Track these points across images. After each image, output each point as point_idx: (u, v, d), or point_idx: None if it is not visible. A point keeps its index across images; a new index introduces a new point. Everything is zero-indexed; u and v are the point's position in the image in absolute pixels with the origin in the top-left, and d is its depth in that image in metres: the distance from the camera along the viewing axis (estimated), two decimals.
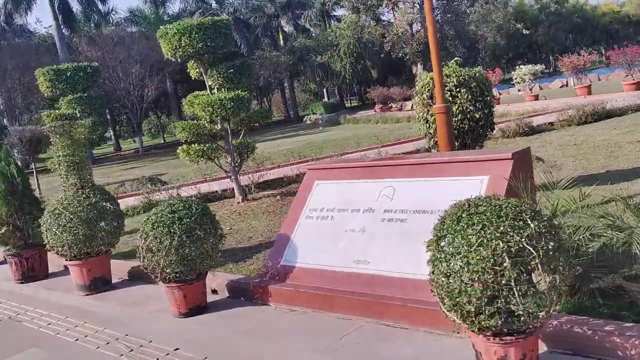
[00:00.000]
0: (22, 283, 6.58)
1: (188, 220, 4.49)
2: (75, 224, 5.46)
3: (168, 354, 3.99)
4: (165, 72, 33.25)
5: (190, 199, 4.76)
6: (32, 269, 6.62)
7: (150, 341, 4.26)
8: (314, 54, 38.58)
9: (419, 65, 42.61)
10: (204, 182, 11.84)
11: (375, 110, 31.66)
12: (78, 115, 13.20)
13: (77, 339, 4.53)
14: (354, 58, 37.54)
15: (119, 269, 6.16)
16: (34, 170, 14.76)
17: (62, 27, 28.38)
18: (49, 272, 6.84)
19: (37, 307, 5.55)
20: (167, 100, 37.76)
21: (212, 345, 4.05)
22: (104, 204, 5.71)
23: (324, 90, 43.48)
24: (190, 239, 4.45)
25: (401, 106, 31.11)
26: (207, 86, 9.44)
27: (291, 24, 43.60)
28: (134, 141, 43.84)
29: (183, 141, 9.24)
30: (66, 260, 5.71)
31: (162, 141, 42.64)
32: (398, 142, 13.86)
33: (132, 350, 4.15)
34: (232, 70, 9.02)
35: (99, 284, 5.74)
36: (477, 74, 6.47)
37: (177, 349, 4.04)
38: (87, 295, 5.67)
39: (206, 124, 9.15)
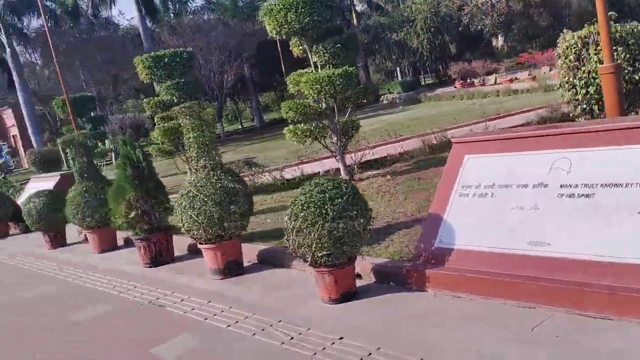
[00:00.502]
0: (150, 267, 6.60)
1: (340, 200, 4.18)
2: (210, 206, 5.31)
3: (334, 342, 3.72)
4: (243, 58, 33.55)
5: (338, 179, 4.45)
6: (160, 253, 6.62)
7: (309, 328, 4.01)
8: (388, 31, 37.61)
9: (499, 38, 40.64)
10: (302, 163, 11.66)
11: (456, 87, 30.45)
12: (175, 101, 13.35)
13: (229, 325, 4.36)
14: (432, 33, 36.27)
15: (245, 252, 6.01)
16: None
17: (145, 18, 29.16)
18: (175, 256, 6.83)
19: (175, 291, 5.49)
20: (243, 85, 38.14)
21: (380, 333, 3.74)
22: (235, 185, 5.54)
23: (397, 69, 42.43)
24: (343, 220, 4.15)
25: (484, 81, 29.73)
26: (312, 63, 9.15)
27: (364, 2, 42.72)
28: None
29: (290, 121, 9.03)
30: (199, 243, 5.61)
31: (240, 127, 43.31)
32: (500, 116, 13.06)
33: (292, 338, 3.92)
34: (339, 45, 8.66)
35: (233, 267, 5.60)
36: (635, 30, 5.74)
37: (341, 338, 3.76)
38: (221, 279, 5.55)
39: (312, 103, 8.88)
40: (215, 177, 5.49)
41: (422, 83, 42.98)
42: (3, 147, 36.08)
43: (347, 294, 4.41)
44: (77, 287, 6.45)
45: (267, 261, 5.88)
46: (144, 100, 13.41)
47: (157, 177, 6.72)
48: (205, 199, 5.34)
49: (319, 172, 10.59)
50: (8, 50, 24.55)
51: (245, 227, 5.74)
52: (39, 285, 6.81)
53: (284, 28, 8.46)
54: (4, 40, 24.30)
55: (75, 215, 7.80)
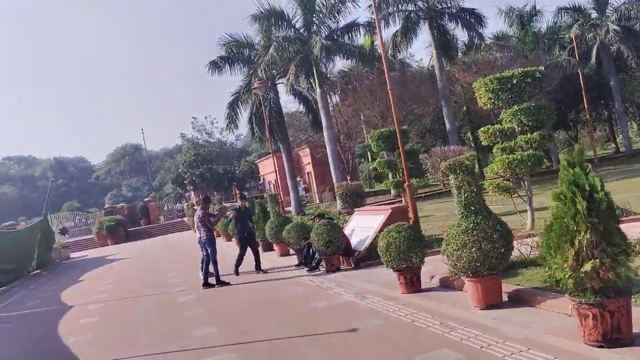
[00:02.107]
0: (601, 347, 4.46)
1: None
2: None
3: None
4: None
5: None
6: (618, 329, 4.44)
7: None
8: None
9: None
10: None
11: None
12: (517, 129, 11.42)
13: None
14: None
15: None
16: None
17: (441, 56, 28.53)
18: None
19: None
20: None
21: None
22: None
23: None
24: None
25: None
26: None
27: None
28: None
29: None
30: None
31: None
32: None
33: None
34: None
35: None
36: None
37: None
38: None
39: None
40: None
41: None
42: (300, 183, 39.44)
43: None
44: None
45: None
46: (481, 129, 11.75)
47: (617, 215, 4.60)
48: None
49: None
50: (318, 91, 26.24)
51: None
52: (435, 347, 5.25)
53: None
54: (316, 82, 26.08)
55: (458, 257, 6.19)
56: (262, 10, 25.47)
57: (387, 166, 16.95)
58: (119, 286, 14.42)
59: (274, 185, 44.47)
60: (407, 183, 12.29)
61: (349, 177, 32.83)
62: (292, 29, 26.26)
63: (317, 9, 25.73)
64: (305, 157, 41.69)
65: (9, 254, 20.63)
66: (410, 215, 12.10)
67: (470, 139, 36.31)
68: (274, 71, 28.76)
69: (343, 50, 25.75)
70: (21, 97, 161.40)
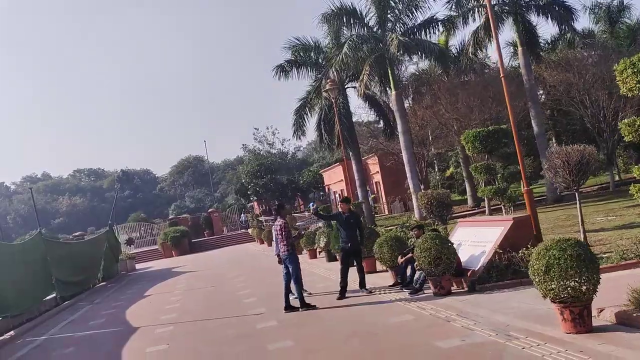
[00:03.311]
0: None
1: None
2: None
3: None
4: None
5: None
6: None
7: None
8: None
9: None
10: None
11: None
12: None
13: None
14: None
15: None
16: (577, 201, 11.38)
17: (527, 54, 25.92)
18: None
19: None
20: None
21: None
22: None
23: None
24: None
25: None
26: None
27: None
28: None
29: None
30: None
31: (618, 178, 35.78)
32: None
33: None
34: None
35: None
36: None
37: None
38: None
39: None
40: None
41: None
42: (368, 192, 37.49)
43: None
44: None
45: None
46: (623, 121, 9.53)
47: None
48: None
49: None
50: (394, 93, 24.35)
51: None
52: None
53: None
54: (391, 83, 24.23)
55: None
56: (333, 9, 23.91)
57: (485, 171, 14.81)
58: (188, 304, 13.01)
59: (339, 196, 42.78)
60: (525, 188, 10.20)
61: (422, 186, 30.64)
62: (365, 27, 24.54)
63: (392, 4, 23.90)
64: (374, 165, 39.79)
65: (75, 265, 19.88)
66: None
67: (555, 144, 33.34)
68: (343, 74, 27.19)
69: (421, 47, 23.71)
70: (89, 112, 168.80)
